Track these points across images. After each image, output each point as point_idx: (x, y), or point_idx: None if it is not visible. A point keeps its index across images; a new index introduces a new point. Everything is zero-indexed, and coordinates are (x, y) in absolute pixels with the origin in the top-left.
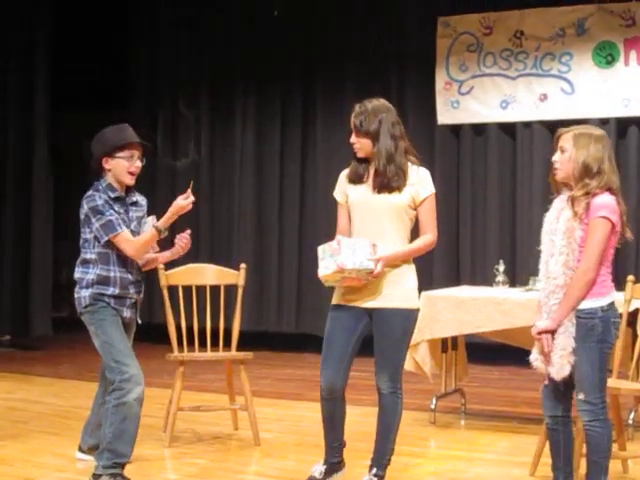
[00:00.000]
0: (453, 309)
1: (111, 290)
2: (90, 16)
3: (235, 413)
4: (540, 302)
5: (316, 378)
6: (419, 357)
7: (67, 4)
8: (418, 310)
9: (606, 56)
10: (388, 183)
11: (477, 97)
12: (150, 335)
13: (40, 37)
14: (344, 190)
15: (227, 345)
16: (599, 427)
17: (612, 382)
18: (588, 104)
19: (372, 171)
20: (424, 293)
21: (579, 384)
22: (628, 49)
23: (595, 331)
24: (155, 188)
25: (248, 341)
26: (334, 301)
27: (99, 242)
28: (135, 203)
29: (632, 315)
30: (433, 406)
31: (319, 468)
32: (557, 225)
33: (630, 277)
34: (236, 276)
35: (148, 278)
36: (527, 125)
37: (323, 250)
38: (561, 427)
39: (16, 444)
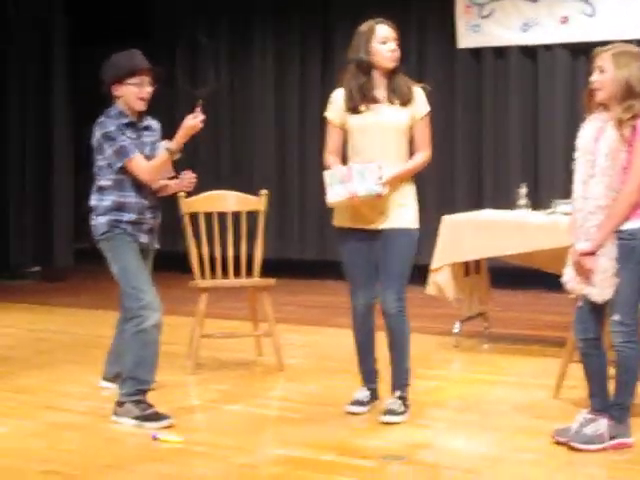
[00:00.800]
0: (475, 233)
1: (127, 216)
2: None
3: (259, 339)
4: (575, 223)
5: (340, 304)
6: (442, 281)
7: None
8: (418, 230)
9: None
10: (405, 95)
11: (498, 20)
12: (173, 264)
13: None
14: (340, 112)
15: (250, 272)
16: (632, 348)
17: None
18: (609, 26)
19: (378, 90)
20: (445, 217)
21: (617, 305)
22: None
23: (636, 252)
24: (175, 118)
25: (271, 269)
26: (341, 223)
27: (112, 168)
28: (148, 127)
29: None
30: (456, 330)
31: (363, 392)
32: (597, 145)
33: None
34: (257, 202)
35: (169, 206)
36: (548, 48)
37: (331, 175)
38: (594, 351)
39: (40, 373)
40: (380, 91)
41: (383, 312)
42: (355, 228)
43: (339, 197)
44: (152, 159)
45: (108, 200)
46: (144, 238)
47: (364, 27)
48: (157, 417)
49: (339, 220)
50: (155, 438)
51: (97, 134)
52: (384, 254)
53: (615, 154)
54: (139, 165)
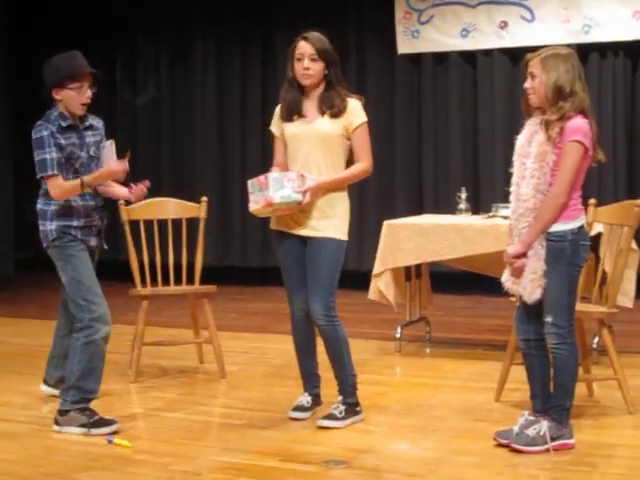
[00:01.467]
0: (416, 237)
1: (76, 222)
2: None
3: (200, 347)
4: (510, 225)
5: (282, 311)
6: (383, 286)
7: None
8: (346, 242)
9: None
10: (335, 107)
11: (437, 26)
12: (113, 271)
13: None
14: (279, 125)
15: (191, 279)
16: (566, 350)
17: (576, 306)
18: (548, 31)
19: (310, 102)
20: (386, 222)
21: (548, 306)
22: None
23: (565, 254)
24: (115, 124)
25: (214, 276)
26: (274, 225)
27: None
28: (91, 127)
29: (594, 239)
30: (398, 335)
31: (305, 398)
32: (529, 149)
33: (592, 200)
34: (197, 209)
35: (110, 214)
36: (487, 53)
37: (252, 184)
38: (534, 351)
39: None
40: (311, 104)
41: (313, 321)
42: (285, 232)
43: (257, 205)
44: (97, 159)
45: (54, 204)
46: (94, 241)
47: (293, 43)
48: (105, 423)
49: (272, 223)
50: (110, 442)
51: (32, 137)
52: (308, 263)
53: (543, 156)
54: (54, 183)
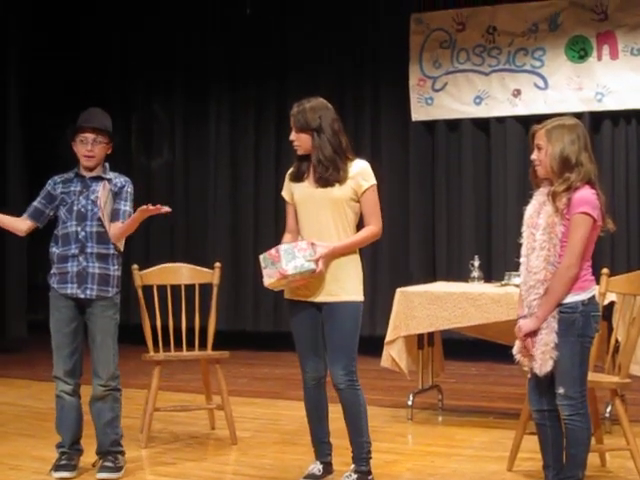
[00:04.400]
0: (428, 305)
1: (53, 268)
2: (60, 13)
3: (212, 412)
4: (521, 296)
5: (294, 377)
6: (395, 354)
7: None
8: (362, 302)
9: (579, 51)
10: (327, 177)
11: (451, 93)
12: (126, 336)
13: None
14: (290, 189)
15: (203, 345)
16: (579, 421)
17: (589, 375)
18: (562, 99)
19: (313, 167)
20: (399, 289)
21: (560, 378)
22: (601, 43)
23: (576, 325)
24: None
25: (226, 340)
26: (287, 295)
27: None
28: (108, 180)
29: (607, 308)
30: (410, 402)
31: (317, 466)
32: (538, 220)
33: (604, 270)
34: (211, 275)
35: (123, 279)
36: (501, 121)
37: (264, 259)
38: (548, 422)
39: None
40: (313, 170)
41: (334, 386)
42: (299, 301)
43: (272, 279)
44: (78, 212)
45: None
46: (71, 288)
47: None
48: (57, 468)
49: (286, 293)
50: None
51: None
52: (326, 328)
53: (552, 228)
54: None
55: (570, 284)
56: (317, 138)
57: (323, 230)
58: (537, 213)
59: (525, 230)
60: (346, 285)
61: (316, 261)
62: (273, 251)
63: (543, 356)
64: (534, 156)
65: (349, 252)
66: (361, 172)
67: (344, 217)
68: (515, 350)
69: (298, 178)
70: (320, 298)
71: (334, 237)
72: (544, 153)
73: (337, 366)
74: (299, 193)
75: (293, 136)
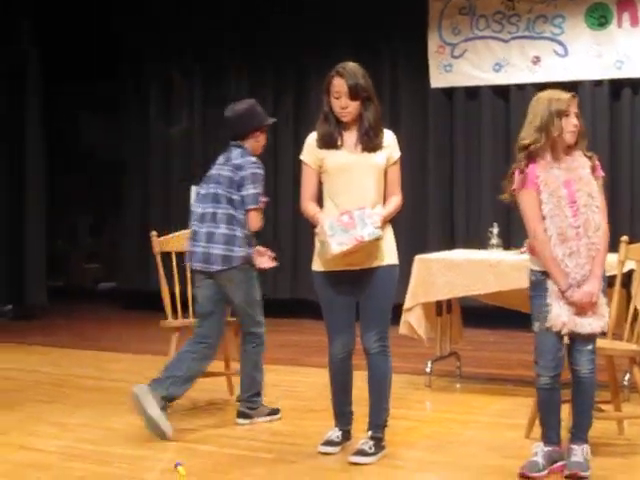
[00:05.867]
0: (447, 272)
1: (251, 250)
2: None
3: (230, 379)
4: (558, 265)
5: (313, 344)
6: (414, 321)
7: None
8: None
9: (599, 18)
10: (377, 143)
11: (470, 60)
12: (145, 302)
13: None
14: (316, 155)
15: None
16: (594, 373)
17: (607, 343)
18: (581, 66)
19: (349, 134)
20: (418, 257)
21: (595, 336)
22: (621, 11)
23: (605, 283)
24: (149, 155)
25: None
26: (322, 267)
27: (243, 206)
28: None
29: (626, 276)
30: (428, 369)
31: (336, 433)
32: (580, 186)
33: (624, 238)
34: None
35: (142, 245)
36: (520, 88)
37: (331, 226)
38: (557, 385)
39: (12, 413)
40: (350, 136)
41: (365, 350)
42: (338, 271)
43: (345, 246)
44: None
45: (242, 233)
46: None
47: (328, 76)
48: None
49: (320, 264)
50: (177, 465)
51: (247, 170)
52: (365, 294)
53: (596, 193)
54: (258, 216)
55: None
56: (368, 105)
57: (366, 196)
58: (568, 181)
59: (561, 199)
60: (386, 250)
61: (380, 227)
62: (345, 218)
63: (604, 313)
64: (576, 122)
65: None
66: (393, 142)
67: (382, 184)
68: (563, 319)
69: (331, 145)
70: (363, 265)
71: (376, 203)
72: (579, 122)
73: (372, 331)
74: (336, 160)
75: (346, 103)
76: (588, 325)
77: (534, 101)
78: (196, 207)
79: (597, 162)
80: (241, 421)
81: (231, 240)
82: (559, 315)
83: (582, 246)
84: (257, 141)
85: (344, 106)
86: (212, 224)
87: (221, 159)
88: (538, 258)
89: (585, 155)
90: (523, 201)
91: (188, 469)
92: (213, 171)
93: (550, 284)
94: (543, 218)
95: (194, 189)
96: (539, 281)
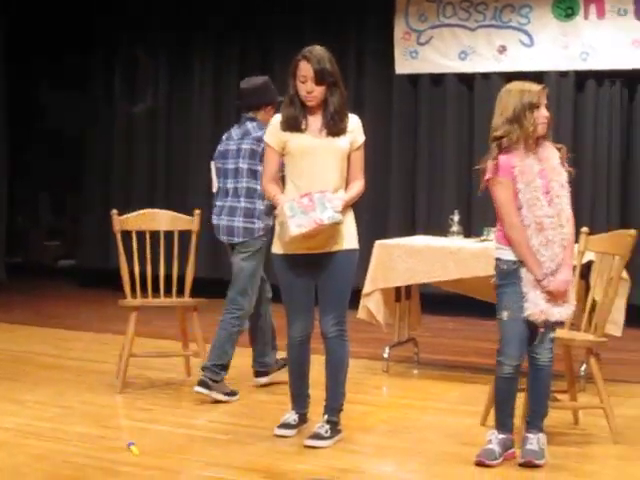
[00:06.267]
0: (407, 258)
1: (270, 222)
2: None
3: (188, 359)
4: (534, 255)
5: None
6: (372, 306)
7: None
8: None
9: (566, 9)
10: (341, 127)
11: (436, 47)
12: (104, 281)
13: None
14: (280, 137)
15: (181, 292)
16: (552, 362)
17: (565, 333)
18: (547, 57)
19: (314, 118)
20: (378, 242)
21: (556, 325)
22: (588, 2)
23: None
24: (113, 133)
25: (204, 288)
26: (283, 250)
27: (258, 174)
28: None
29: (585, 267)
30: (386, 355)
31: (292, 416)
32: (553, 176)
33: (584, 229)
34: (190, 222)
35: (102, 223)
36: (485, 76)
37: (291, 207)
38: (517, 375)
39: None
40: (315, 120)
41: (322, 334)
42: (297, 254)
43: (304, 228)
44: None
45: (262, 205)
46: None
47: (294, 60)
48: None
49: (280, 247)
50: (129, 445)
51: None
52: (323, 278)
53: (565, 182)
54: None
55: None
56: (333, 90)
57: (328, 180)
58: (545, 170)
59: (537, 190)
60: (346, 234)
61: (341, 212)
62: (305, 200)
63: (573, 301)
64: (546, 113)
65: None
66: (358, 127)
67: (344, 169)
68: (537, 309)
69: (295, 128)
70: (323, 249)
71: (338, 187)
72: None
73: (329, 315)
74: (299, 143)
75: (311, 87)
76: (557, 313)
77: (504, 92)
78: (218, 182)
79: (565, 154)
80: (199, 389)
81: (252, 213)
82: (537, 304)
83: (557, 235)
84: (268, 115)
85: (310, 90)
86: (234, 198)
87: (237, 132)
88: (513, 247)
89: (555, 147)
90: (498, 190)
91: (143, 449)
92: (231, 146)
93: (524, 273)
94: (518, 208)
95: (213, 164)
96: (511, 270)
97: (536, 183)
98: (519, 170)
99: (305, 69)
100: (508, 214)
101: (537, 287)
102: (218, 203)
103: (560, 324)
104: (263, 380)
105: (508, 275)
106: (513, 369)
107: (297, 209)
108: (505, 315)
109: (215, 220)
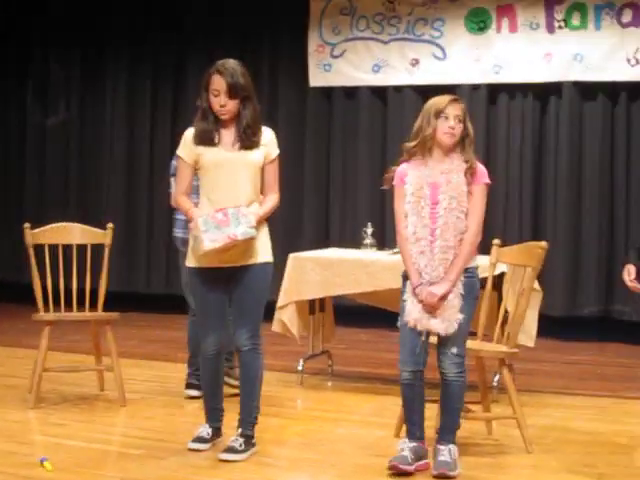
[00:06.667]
0: (320, 271)
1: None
2: None
3: (101, 374)
4: (413, 265)
5: (184, 339)
6: (286, 318)
7: None
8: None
9: (478, 23)
10: (254, 141)
11: (349, 60)
12: (17, 295)
13: None
14: (193, 150)
15: (94, 306)
16: (464, 377)
17: (477, 344)
18: (459, 70)
19: (227, 131)
20: (292, 255)
21: (455, 339)
22: (500, 16)
23: (474, 288)
24: (25, 144)
25: (118, 302)
26: (197, 263)
27: None
28: None
29: (497, 279)
30: (300, 367)
31: (206, 429)
32: (441, 189)
33: (496, 241)
34: (103, 235)
35: (14, 237)
36: (398, 90)
37: (205, 222)
38: (419, 382)
39: None
40: (228, 133)
41: (237, 348)
42: (211, 268)
43: (217, 243)
44: None
45: (181, 216)
46: None
47: (207, 73)
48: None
49: (194, 261)
50: (42, 461)
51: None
52: (237, 291)
53: (462, 197)
54: None
55: (475, 250)
56: (246, 104)
57: (241, 194)
58: (435, 183)
59: (422, 199)
60: (260, 248)
61: (254, 227)
62: (220, 215)
63: (450, 317)
64: (454, 124)
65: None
66: (272, 140)
67: (257, 182)
68: (414, 316)
69: (208, 142)
70: (238, 262)
71: (252, 201)
72: (460, 126)
73: (243, 328)
74: (211, 157)
75: (224, 101)
76: (434, 325)
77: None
78: None
79: (478, 169)
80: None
81: (176, 224)
82: (411, 311)
83: (436, 247)
84: None
85: (223, 104)
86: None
87: None
88: (400, 254)
89: (465, 160)
90: (394, 198)
91: (57, 464)
92: None
93: (408, 281)
94: (405, 216)
95: (173, 180)
96: (404, 277)
97: (422, 193)
98: (409, 179)
99: (218, 83)
100: (396, 221)
101: (415, 295)
102: (181, 217)
103: (462, 339)
104: (194, 393)
105: (403, 281)
106: (410, 375)
107: (211, 224)
108: (399, 322)
109: (181, 234)
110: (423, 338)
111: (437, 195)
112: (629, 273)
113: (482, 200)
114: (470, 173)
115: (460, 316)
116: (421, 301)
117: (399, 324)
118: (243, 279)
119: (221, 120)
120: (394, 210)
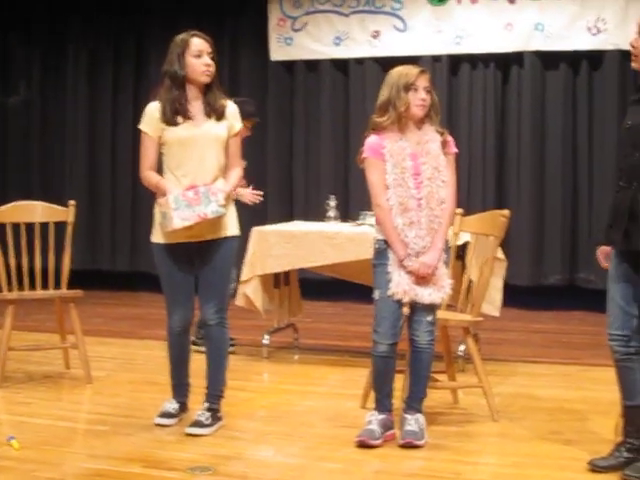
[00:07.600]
0: (284, 244)
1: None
2: None
3: (66, 352)
4: (398, 236)
5: (150, 316)
6: (251, 293)
7: None
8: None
9: None
10: (221, 109)
11: (311, 34)
12: None
13: None
14: (157, 125)
15: (58, 284)
16: (433, 346)
17: (442, 314)
18: (420, 41)
19: (192, 106)
20: (255, 228)
21: (431, 306)
22: None
23: (447, 257)
24: None
25: (82, 280)
26: (163, 239)
27: None
28: None
29: (461, 248)
30: (266, 341)
31: (172, 405)
32: (426, 158)
33: (459, 210)
34: (65, 213)
35: None
36: (360, 62)
37: (176, 200)
38: (394, 354)
39: None
40: (195, 105)
41: (203, 322)
42: (178, 243)
43: (187, 222)
44: None
45: None
46: None
47: (178, 39)
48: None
49: (160, 236)
50: (9, 440)
51: None
52: (204, 266)
53: (442, 167)
54: None
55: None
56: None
57: (207, 168)
58: (414, 154)
59: (403, 171)
60: (228, 222)
61: (224, 205)
62: (191, 193)
63: (440, 285)
64: (425, 96)
65: None
66: (234, 113)
67: (223, 156)
68: (403, 288)
69: (174, 118)
70: (205, 237)
71: (217, 176)
72: (429, 96)
73: (210, 303)
74: (176, 132)
75: (209, 60)
76: (428, 295)
77: (386, 76)
78: None
79: (449, 138)
80: None
81: None
82: (399, 283)
83: (423, 217)
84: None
85: (208, 64)
86: None
87: None
88: (379, 226)
89: (437, 130)
90: (368, 170)
91: (24, 443)
92: None
93: (391, 253)
94: (387, 188)
95: None
96: (382, 249)
97: (404, 164)
98: (388, 151)
99: (201, 44)
100: (375, 195)
101: (402, 267)
102: None
103: (435, 306)
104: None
105: (379, 254)
106: (387, 348)
107: (182, 202)
108: (377, 294)
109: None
110: (406, 310)
111: (419, 166)
112: (606, 257)
113: (454, 169)
114: (443, 143)
115: (450, 282)
116: (410, 272)
117: (377, 297)
118: (210, 254)
119: (186, 94)
120: (369, 182)
